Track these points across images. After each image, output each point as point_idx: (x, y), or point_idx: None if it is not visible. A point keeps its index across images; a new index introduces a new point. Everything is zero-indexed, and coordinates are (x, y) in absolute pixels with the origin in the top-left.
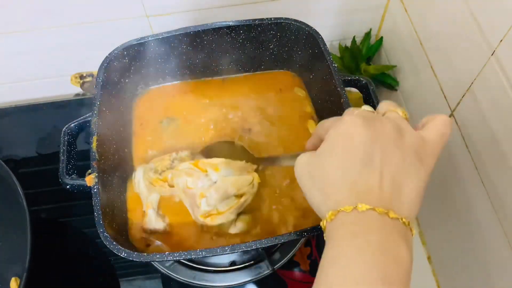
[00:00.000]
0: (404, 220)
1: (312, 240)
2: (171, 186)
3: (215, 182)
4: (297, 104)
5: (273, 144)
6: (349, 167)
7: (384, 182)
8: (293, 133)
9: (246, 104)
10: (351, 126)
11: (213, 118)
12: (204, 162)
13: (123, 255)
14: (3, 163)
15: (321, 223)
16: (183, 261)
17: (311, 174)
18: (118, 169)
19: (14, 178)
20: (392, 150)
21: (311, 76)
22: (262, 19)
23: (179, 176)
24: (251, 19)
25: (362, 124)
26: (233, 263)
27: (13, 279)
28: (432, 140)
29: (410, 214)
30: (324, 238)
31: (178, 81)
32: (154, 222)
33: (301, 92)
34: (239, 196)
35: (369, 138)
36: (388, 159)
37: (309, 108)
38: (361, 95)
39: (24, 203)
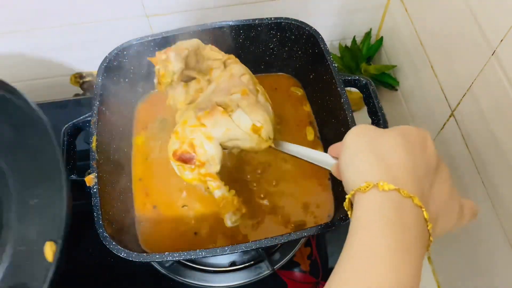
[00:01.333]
0: (431, 239)
1: (312, 240)
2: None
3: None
4: (295, 103)
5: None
6: (419, 168)
7: (432, 207)
8: (292, 138)
9: None
10: (428, 137)
11: None
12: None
13: (122, 255)
14: (48, 128)
15: (355, 189)
16: (183, 261)
17: (373, 139)
18: (118, 169)
19: (52, 134)
20: (445, 186)
21: (311, 76)
22: (262, 19)
23: (240, 64)
24: (251, 19)
25: (434, 145)
26: (233, 264)
27: (48, 243)
28: (467, 209)
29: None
30: (347, 207)
31: None
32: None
33: (299, 91)
34: (253, 129)
35: (437, 158)
36: (440, 194)
37: (307, 107)
38: (361, 95)
39: (62, 165)
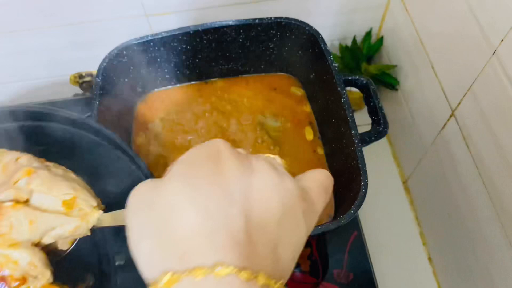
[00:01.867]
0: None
1: (312, 240)
2: None
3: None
4: (295, 103)
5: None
6: (220, 209)
7: (254, 235)
8: (291, 137)
9: (244, 106)
10: (223, 148)
11: (209, 120)
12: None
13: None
14: None
15: None
16: None
17: (152, 208)
18: None
19: None
20: (270, 195)
21: (311, 76)
22: (262, 19)
23: (10, 151)
24: (251, 19)
25: (233, 154)
26: None
27: None
28: (314, 192)
29: (284, 279)
30: None
31: (178, 82)
32: None
33: (299, 91)
34: (66, 204)
35: (240, 172)
36: (262, 204)
37: (307, 107)
38: (362, 94)
39: None
